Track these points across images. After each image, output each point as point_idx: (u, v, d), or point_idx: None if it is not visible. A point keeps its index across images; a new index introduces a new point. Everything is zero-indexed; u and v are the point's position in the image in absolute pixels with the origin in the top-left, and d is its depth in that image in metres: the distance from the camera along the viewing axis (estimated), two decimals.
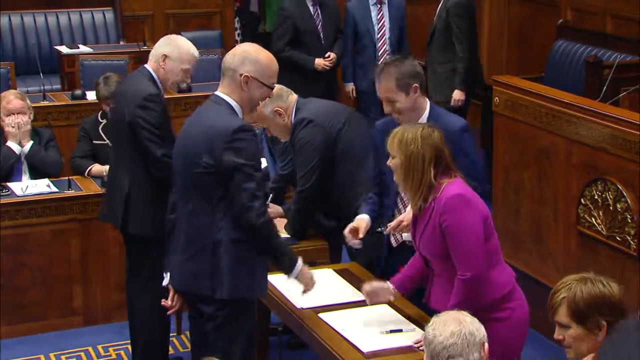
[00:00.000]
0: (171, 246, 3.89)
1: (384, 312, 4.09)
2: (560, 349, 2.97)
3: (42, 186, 5.68)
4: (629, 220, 4.81)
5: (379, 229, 4.29)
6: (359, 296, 4.24)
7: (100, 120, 6.01)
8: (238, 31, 10.26)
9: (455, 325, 2.73)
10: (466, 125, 4.24)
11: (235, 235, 3.68)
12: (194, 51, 4.70)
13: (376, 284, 3.98)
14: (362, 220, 4.28)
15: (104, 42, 9.30)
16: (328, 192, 4.87)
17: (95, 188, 5.73)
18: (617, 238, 4.89)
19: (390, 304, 4.16)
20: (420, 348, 3.60)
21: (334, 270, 4.57)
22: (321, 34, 7.50)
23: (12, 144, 5.81)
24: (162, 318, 4.62)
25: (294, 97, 4.90)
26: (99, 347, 5.49)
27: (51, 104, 7.05)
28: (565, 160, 5.27)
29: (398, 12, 7.62)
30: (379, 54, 7.49)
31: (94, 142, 5.97)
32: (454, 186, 3.66)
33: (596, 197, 5.01)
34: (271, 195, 5.04)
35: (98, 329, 5.69)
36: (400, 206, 4.31)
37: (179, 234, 3.81)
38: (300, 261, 3.88)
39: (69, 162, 6.01)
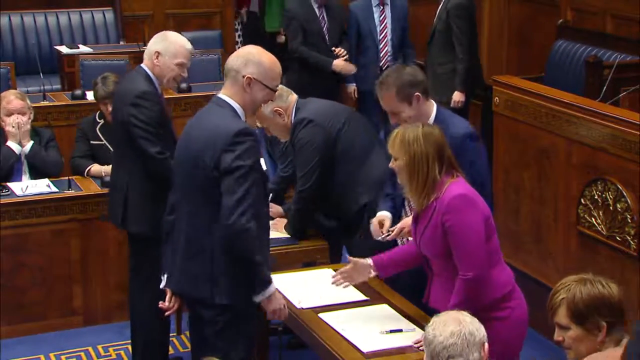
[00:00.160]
0: (170, 248, 3.86)
1: (384, 312, 4.09)
2: (560, 349, 2.97)
3: (42, 186, 5.68)
4: (629, 220, 4.81)
5: (381, 236, 4.28)
6: (359, 296, 4.25)
7: (98, 121, 6.01)
8: (239, 32, 10.26)
9: (455, 325, 2.73)
10: (470, 132, 4.16)
11: None
12: (187, 45, 4.71)
13: (356, 260, 3.95)
14: (385, 216, 4.27)
15: (104, 42, 9.30)
16: (328, 192, 4.87)
17: (95, 188, 5.73)
18: (617, 238, 4.89)
19: (390, 304, 4.16)
20: (420, 348, 3.61)
21: (334, 270, 4.56)
22: (326, 35, 7.49)
23: (12, 144, 5.81)
24: (162, 318, 4.61)
25: (293, 97, 4.90)
26: (99, 347, 5.49)
27: (51, 104, 7.05)
28: (565, 160, 5.27)
29: (401, 13, 7.60)
30: (381, 55, 7.49)
31: (92, 142, 5.97)
32: (457, 186, 3.66)
33: (596, 197, 5.01)
34: (270, 194, 5.04)
35: (98, 329, 5.69)
36: (408, 208, 4.32)
37: (178, 235, 3.79)
38: (271, 288, 3.69)
39: (69, 162, 6.01)
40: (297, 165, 4.91)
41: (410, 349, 3.73)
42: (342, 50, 7.42)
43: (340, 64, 7.37)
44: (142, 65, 4.74)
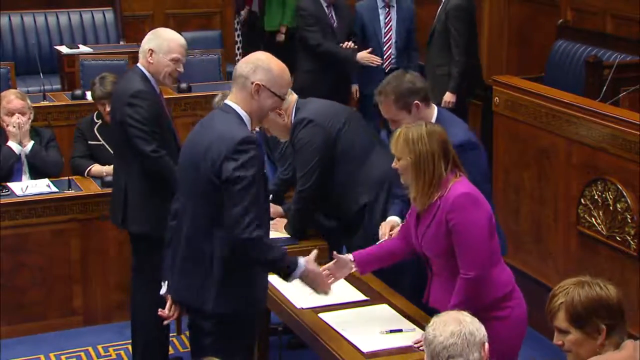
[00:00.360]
0: (170, 254, 3.82)
1: (384, 312, 4.09)
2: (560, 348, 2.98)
3: (42, 186, 5.68)
4: (629, 220, 4.81)
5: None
6: (359, 296, 4.25)
7: (96, 121, 6.01)
8: (238, 32, 10.26)
9: (456, 325, 2.73)
10: (466, 141, 4.07)
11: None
12: (180, 40, 4.71)
13: (338, 256, 3.95)
14: (395, 222, 4.26)
15: (104, 42, 9.31)
16: (328, 192, 4.87)
17: (95, 188, 5.73)
18: (617, 238, 4.89)
19: (390, 304, 4.16)
20: (420, 348, 3.61)
21: None
22: (336, 34, 7.48)
23: (12, 144, 5.81)
24: (162, 318, 4.61)
25: (293, 96, 4.90)
26: (99, 347, 5.49)
27: (51, 104, 7.06)
28: (565, 160, 5.28)
29: (407, 15, 7.56)
30: (385, 57, 7.46)
31: (89, 142, 5.97)
32: (461, 185, 3.67)
33: (596, 197, 5.02)
34: (270, 196, 5.04)
35: (98, 329, 5.68)
36: None
37: (179, 241, 3.74)
38: (298, 271, 3.72)
39: (69, 162, 6.01)
40: (297, 165, 4.91)
41: (410, 349, 3.72)
42: (351, 43, 7.41)
43: (364, 55, 7.34)
44: (138, 64, 4.75)
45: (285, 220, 4.99)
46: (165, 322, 3.97)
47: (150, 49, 4.66)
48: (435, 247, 3.72)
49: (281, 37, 9.94)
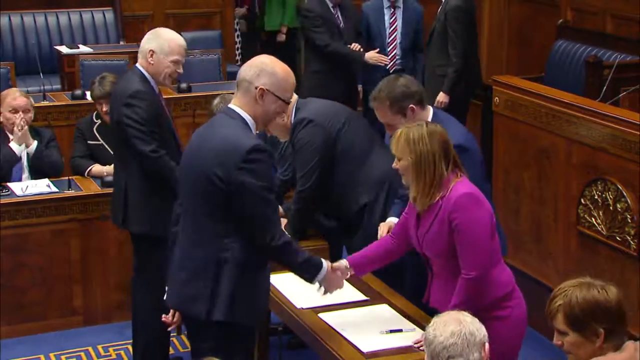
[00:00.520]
0: (172, 261, 3.77)
1: (384, 312, 4.09)
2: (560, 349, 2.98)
3: (42, 186, 5.68)
4: (629, 220, 4.81)
5: None
6: (359, 296, 4.25)
7: (95, 121, 6.01)
8: (237, 32, 10.26)
9: (456, 325, 2.73)
10: (459, 144, 4.00)
11: (242, 258, 3.54)
12: (180, 41, 4.71)
13: (334, 264, 3.93)
14: (393, 223, 4.26)
15: (104, 42, 9.31)
16: (328, 192, 4.87)
17: (95, 188, 5.73)
18: (617, 238, 4.89)
19: (390, 304, 4.17)
20: (421, 348, 3.61)
21: None
22: (343, 35, 7.47)
23: (13, 145, 5.81)
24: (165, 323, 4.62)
25: (294, 97, 4.90)
26: (99, 347, 5.49)
27: (51, 104, 7.06)
28: (565, 160, 5.28)
29: (413, 16, 7.52)
30: (389, 58, 7.42)
31: (89, 142, 5.97)
32: (463, 185, 3.67)
33: (596, 197, 5.02)
34: None
35: (98, 329, 5.69)
36: None
37: (181, 251, 3.68)
38: (322, 272, 3.75)
39: (69, 162, 6.01)
40: (296, 165, 4.91)
41: (410, 349, 3.72)
42: (357, 45, 7.40)
43: (373, 56, 7.33)
44: (137, 65, 4.74)
45: (285, 220, 4.99)
46: (169, 329, 3.96)
47: (151, 50, 4.65)
48: (436, 247, 3.72)
49: (282, 37, 9.94)
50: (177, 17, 9.77)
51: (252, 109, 3.60)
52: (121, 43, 9.23)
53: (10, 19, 9.13)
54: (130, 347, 5.27)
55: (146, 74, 4.68)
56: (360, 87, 7.66)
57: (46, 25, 9.25)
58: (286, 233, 3.67)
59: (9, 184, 5.70)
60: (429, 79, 7.32)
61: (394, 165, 3.77)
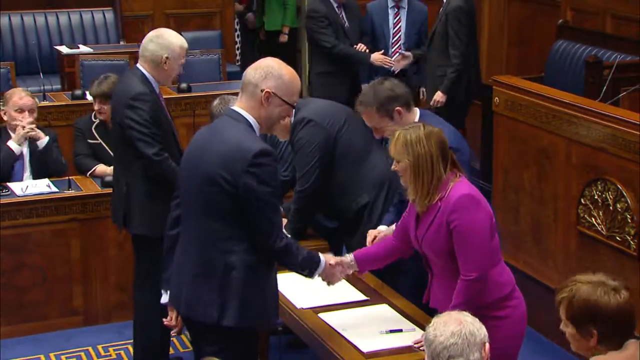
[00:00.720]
0: (172, 264, 3.74)
1: (384, 312, 4.09)
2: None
3: (42, 186, 5.68)
4: (629, 220, 4.81)
5: None
6: (359, 296, 4.25)
7: (94, 120, 6.01)
8: (237, 32, 10.26)
9: (456, 325, 2.73)
10: (451, 147, 3.92)
11: (249, 261, 3.52)
12: (185, 43, 4.75)
13: (338, 258, 3.96)
14: (380, 231, 4.31)
15: (104, 42, 9.31)
16: (328, 192, 4.87)
17: (95, 188, 5.73)
18: (617, 238, 4.89)
19: (390, 304, 4.17)
20: (421, 348, 3.61)
21: None
22: (348, 35, 7.46)
23: (12, 144, 5.80)
24: (163, 318, 4.61)
25: None
26: (99, 347, 5.49)
27: (51, 104, 7.06)
28: (565, 160, 5.28)
29: (419, 17, 7.49)
30: (393, 58, 7.42)
31: (89, 141, 5.97)
32: (462, 186, 3.67)
33: (596, 197, 5.02)
34: None
35: (98, 329, 5.69)
36: None
37: (185, 255, 3.64)
38: (320, 267, 3.77)
39: (72, 161, 6.01)
40: (296, 165, 4.91)
41: (410, 349, 3.73)
42: (363, 46, 7.40)
43: (378, 57, 7.31)
44: (138, 65, 4.73)
45: (285, 220, 4.99)
46: (172, 333, 3.95)
47: (166, 57, 4.63)
48: (436, 248, 3.72)
49: (285, 38, 9.93)
50: (177, 17, 9.77)
51: (257, 112, 3.58)
52: (121, 43, 9.24)
53: (10, 19, 9.13)
54: (130, 347, 5.28)
55: (148, 75, 4.67)
56: (364, 87, 7.64)
57: (46, 25, 9.25)
58: (286, 234, 3.66)
59: (9, 184, 5.70)
60: (430, 79, 7.32)
61: (392, 167, 3.78)
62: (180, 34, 4.87)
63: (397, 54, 7.38)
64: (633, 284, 4.75)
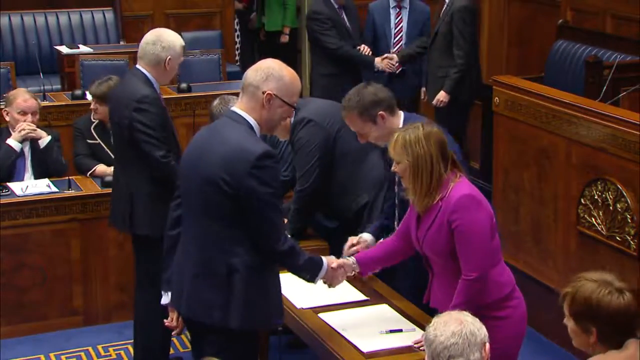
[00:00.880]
0: (172, 265, 3.74)
1: (384, 312, 4.09)
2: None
3: (42, 186, 5.68)
4: (629, 220, 4.81)
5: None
6: (359, 296, 4.25)
7: (93, 120, 6.00)
8: (237, 32, 10.26)
9: (456, 325, 2.73)
10: None
11: (251, 262, 3.50)
12: (182, 41, 4.76)
13: (340, 260, 3.97)
14: (359, 239, 4.34)
15: (104, 42, 9.31)
16: (328, 192, 4.87)
17: (95, 188, 5.73)
18: (617, 238, 4.89)
19: (390, 304, 4.17)
20: (421, 348, 3.61)
21: None
22: (352, 36, 7.45)
23: (12, 142, 5.80)
24: (163, 318, 4.61)
25: None
26: (99, 347, 5.50)
27: (51, 104, 7.06)
28: (565, 160, 5.28)
29: (421, 17, 7.49)
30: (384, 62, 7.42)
31: (88, 141, 5.97)
32: (463, 186, 3.68)
33: (596, 197, 5.02)
34: None
35: (98, 329, 5.69)
36: (397, 223, 4.32)
37: (185, 255, 3.64)
38: (322, 271, 3.77)
39: (72, 160, 6.01)
40: (296, 164, 4.91)
41: (410, 349, 3.73)
42: (367, 48, 7.39)
43: (382, 61, 7.33)
44: (139, 67, 4.71)
45: (284, 220, 4.99)
46: (173, 334, 3.95)
47: (168, 57, 4.63)
48: (437, 248, 3.72)
49: (286, 38, 9.93)
50: (177, 17, 9.77)
51: (258, 113, 3.57)
52: (121, 43, 9.24)
53: (10, 19, 9.13)
54: (130, 347, 5.28)
55: (150, 76, 4.66)
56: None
57: (46, 25, 9.24)
58: (290, 237, 3.66)
59: (9, 184, 5.70)
60: (431, 80, 7.30)
61: (392, 168, 3.78)
62: (180, 34, 4.88)
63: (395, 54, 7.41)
64: (633, 284, 4.76)
